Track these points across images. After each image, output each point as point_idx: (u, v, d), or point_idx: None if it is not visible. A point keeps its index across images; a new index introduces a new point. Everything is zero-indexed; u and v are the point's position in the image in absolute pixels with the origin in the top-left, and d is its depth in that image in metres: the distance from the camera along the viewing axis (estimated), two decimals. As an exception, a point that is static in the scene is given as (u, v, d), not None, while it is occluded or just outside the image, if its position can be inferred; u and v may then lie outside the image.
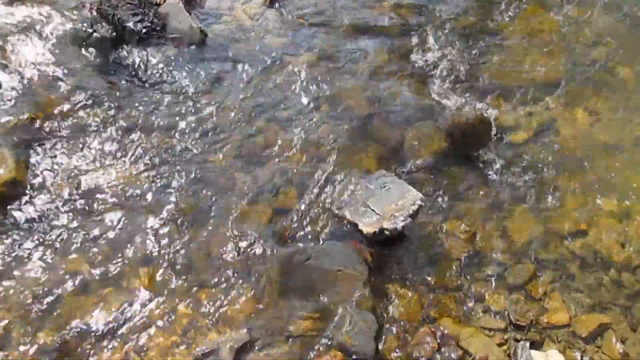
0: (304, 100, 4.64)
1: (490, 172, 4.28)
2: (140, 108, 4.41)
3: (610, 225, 4.01)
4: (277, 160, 4.19)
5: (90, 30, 4.76)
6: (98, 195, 3.82)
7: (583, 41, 5.38)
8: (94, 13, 4.84)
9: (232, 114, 4.47)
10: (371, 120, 4.54)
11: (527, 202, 4.11)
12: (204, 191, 3.95)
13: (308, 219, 3.86)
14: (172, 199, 3.88)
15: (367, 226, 3.66)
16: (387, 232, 3.62)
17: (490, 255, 3.80)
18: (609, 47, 5.31)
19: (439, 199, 4.09)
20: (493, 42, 5.34)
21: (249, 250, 3.65)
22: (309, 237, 3.75)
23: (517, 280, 3.69)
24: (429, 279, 3.66)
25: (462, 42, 5.30)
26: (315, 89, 4.75)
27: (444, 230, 3.90)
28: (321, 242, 3.72)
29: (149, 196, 3.88)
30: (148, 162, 4.07)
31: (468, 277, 3.68)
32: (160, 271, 3.51)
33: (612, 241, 3.91)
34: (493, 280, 3.67)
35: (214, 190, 3.95)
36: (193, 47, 4.93)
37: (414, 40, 5.34)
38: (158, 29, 4.91)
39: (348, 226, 3.77)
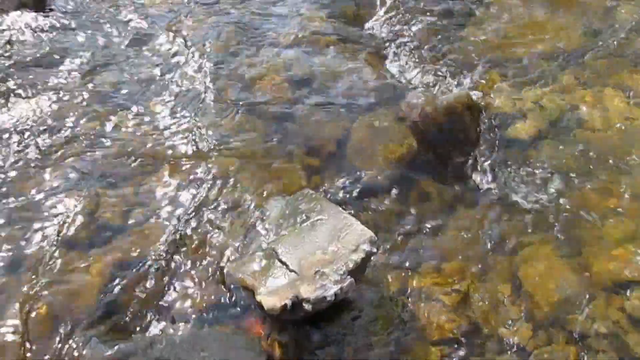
0: (196, 86, 3.65)
1: (483, 186, 3.24)
2: None
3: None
4: (139, 180, 3.05)
5: None
6: None
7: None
8: None
9: (75, 113, 3.39)
10: (298, 111, 3.49)
11: (545, 234, 2.96)
12: (13, 235, 2.69)
13: (171, 284, 2.54)
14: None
15: (272, 295, 2.23)
16: (307, 307, 2.21)
17: (497, 331, 2.61)
18: (642, 1, 4.53)
19: (405, 236, 2.92)
20: (480, -4, 4.60)
21: (55, 347, 2.28)
22: (171, 317, 2.45)
23: (547, 377, 2.48)
24: (391, 384, 2.37)
25: (435, -3, 4.59)
26: (214, 67, 3.73)
27: (415, 291, 2.69)
28: (192, 327, 2.40)
29: None
30: None
31: (459, 375, 2.43)
32: None
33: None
34: (505, 379, 2.47)
35: (27, 236, 2.72)
36: (25, 12, 4.06)
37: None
38: (-29, -15, 4.02)
39: (242, 295, 2.48)
